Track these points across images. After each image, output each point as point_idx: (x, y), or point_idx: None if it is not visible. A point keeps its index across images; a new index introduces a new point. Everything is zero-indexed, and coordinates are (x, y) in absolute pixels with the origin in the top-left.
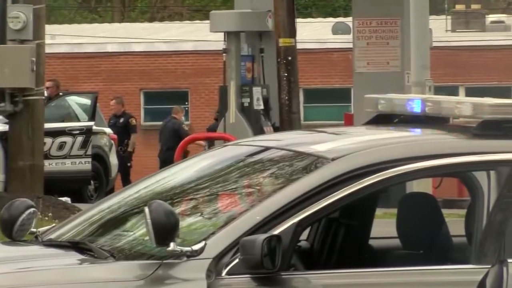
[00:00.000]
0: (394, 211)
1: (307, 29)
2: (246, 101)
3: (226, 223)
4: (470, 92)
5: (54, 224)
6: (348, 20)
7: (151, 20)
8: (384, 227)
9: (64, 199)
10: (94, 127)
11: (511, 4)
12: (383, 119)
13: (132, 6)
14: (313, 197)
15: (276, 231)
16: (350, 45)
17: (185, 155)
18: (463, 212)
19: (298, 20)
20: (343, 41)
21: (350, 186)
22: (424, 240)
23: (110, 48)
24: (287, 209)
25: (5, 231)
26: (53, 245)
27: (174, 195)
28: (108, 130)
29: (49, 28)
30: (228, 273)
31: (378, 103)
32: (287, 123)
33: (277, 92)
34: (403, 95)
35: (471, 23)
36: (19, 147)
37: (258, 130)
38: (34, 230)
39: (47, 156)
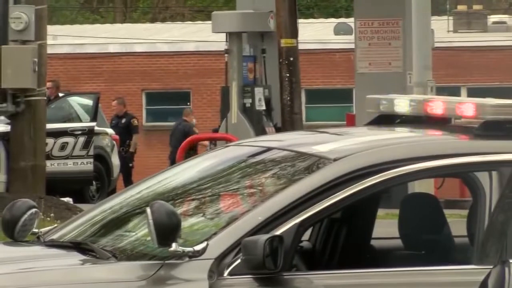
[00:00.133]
0: (396, 211)
1: (309, 29)
2: (248, 101)
3: (228, 224)
4: (472, 93)
5: (56, 225)
6: (350, 21)
7: (153, 20)
8: (386, 228)
9: (66, 199)
10: (96, 128)
11: None
12: (385, 120)
13: (134, 6)
14: (315, 198)
15: (278, 232)
16: (352, 46)
17: (194, 153)
18: (465, 212)
19: (300, 20)
20: (345, 41)
21: (352, 186)
22: (426, 241)
23: (112, 49)
24: (289, 209)
25: (7, 232)
26: (55, 245)
27: (176, 195)
28: (110, 130)
29: (51, 29)
30: (230, 274)
31: (380, 103)
32: (289, 123)
33: (279, 93)
34: (405, 95)
35: (473, 24)
36: (21, 147)
37: (260, 131)
38: (36, 230)
39: (49, 156)
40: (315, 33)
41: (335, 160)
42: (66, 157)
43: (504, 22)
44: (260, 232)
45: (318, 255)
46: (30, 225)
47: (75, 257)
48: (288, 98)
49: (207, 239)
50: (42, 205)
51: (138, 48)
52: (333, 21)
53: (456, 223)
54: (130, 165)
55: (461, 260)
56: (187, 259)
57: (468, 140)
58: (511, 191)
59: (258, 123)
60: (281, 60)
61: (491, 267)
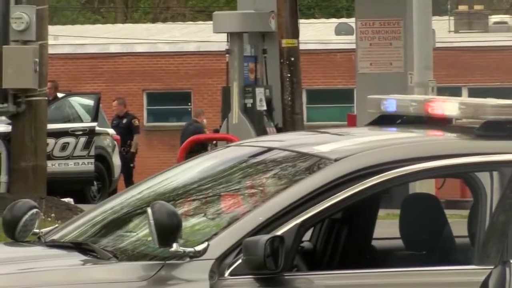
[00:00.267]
0: (397, 212)
1: (310, 30)
2: (249, 101)
3: (229, 224)
4: (473, 93)
5: (57, 225)
6: (351, 21)
7: (154, 21)
8: (387, 228)
9: (67, 199)
10: (97, 128)
11: None
12: (386, 120)
13: (135, 7)
14: (316, 198)
15: (279, 232)
16: (353, 46)
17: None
18: (466, 213)
19: (301, 21)
20: (346, 42)
21: (353, 186)
22: (427, 241)
23: (113, 49)
24: (290, 209)
25: (8, 232)
26: (55, 245)
27: (177, 195)
28: (111, 130)
29: (52, 29)
30: (231, 274)
31: (381, 104)
32: (290, 123)
33: (280, 93)
34: (404, 95)
35: (474, 24)
36: (21, 148)
37: (261, 131)
38: (37, 230)
39: (50, 156)
40: (316, 33)
41: (336, 160)
42: (67, 158)
43: (505, 22)
44: (261, 233)
45: (319, 256)
46: (31, 225)
47: (76, 258)
48: (289, 98)
49: (208, 240)
50: (43, 205)
51: (139, 48)
52: (334, 21)
53: (457, 223)
54: (131, 165)
55: (462, 260)
56: (188, 259)
57: (469, 140)
58: (511, 191)
59: (259, 123)
60: (282, 60)
61: (492, 267)
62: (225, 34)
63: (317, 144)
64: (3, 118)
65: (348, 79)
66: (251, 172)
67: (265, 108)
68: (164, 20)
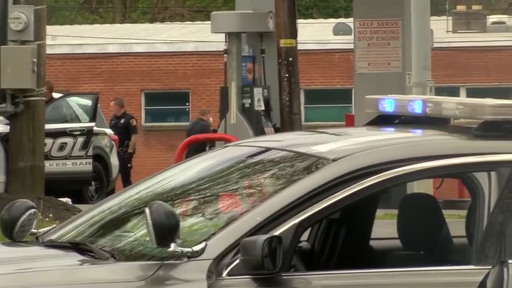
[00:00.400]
0: (395, 212)
1: (308, 30)
2: (247, 102)
3: (227, 224)
4: (471, 93)
5: (54, 225)
6: (349, 21)
7: (152, 21)
8: (384, 228)
9: (64, 200)
10: (95, 128)
11: None
12: (384, 120)
13: (133, 7)
14: (314, 198)
15: (277, 232)
16: (351, 46)
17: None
18: (463, 213)
19: (299, 21)
20: (344, 42)
21: (351, 187)
22: (425, 241)
23: (111, 49)
24: (288, 210)
25: (5, 232)
26: (53, 246)
27: (175, 196)
28: (108, 131)
29: (50, 29)
30: (228, 274)
31: (379, 104)
32: (288, 124)
33: (278, 93)
34: (405, 95)
35: (472, 24)
36: (19, 148)
37: (259, 131)
38: (35, 231)
39: (48, 157)
40: (314, 33)
41: (334, 160)
42: (65, 158)
43: (503, 22)
44: (259, 233)
45: (317, 256)
46: (29, 225)
47: (74, 258)
48: (287, 98)
49: (205, 240)
50: (40, 205)
51: (137, 49)
52: (332, 21)
53: (455, 223)
54: (129, 165)
55: (460, 260)
56: (185, 259)
57: (467, 140)
58: (510, 191)
59: (257, 123)
60: (280, 61)
61: (490, 267)
62: (223, 34)
63: (315, 144)
64: (1, 118)
65: (346, 79)
66: (249, 172)
67: (263, 108)
68: (162, 20)
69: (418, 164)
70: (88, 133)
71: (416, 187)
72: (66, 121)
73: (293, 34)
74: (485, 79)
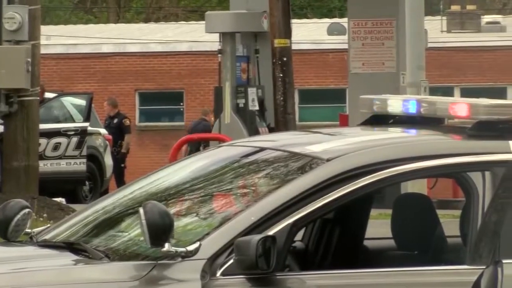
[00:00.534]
0: (389, 211)
1: (303, 29)
2: (241, 101)
3: (221, 224)
4: (465, 93)
5: (48, 225)
6: (344, 21)
7: (146, 20)
8: (379, 228)
9: (58, 199)
10: (89, 128)
11: (506, 5)
12: (378, 120)
13: (128, 7)
14: (308, 198)
15: (271, 232)
16: (346, 46)
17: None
18: (458, 213)
19: (293, 20)
20: (339, 41)
21: (345, 186)
22: (419, 241)
23: (105, 49)
24: (282, 209)
25: (0, 232)
26: (47, 245)
27: (169, 195)
28: (103, 130)
29: (45, 29)
30: (222, 274)
31: (373, 103)
32: (282, 123)
33: (272, 93)
34: (399, 95)
35: (466, 24)
36: (14, 147)
37: (253, 131)
38: (29, 230)
39: (42, 156)
40: (309, 33)
41: (328, 160)
42: (59, 157)
43: (497, 22)
44: (253, 232)
45: (311, 256)
46: (23, 225)
47: (68, 257)
48: (281, 98)
49: (200, 239)
50: (35, 205)
51: (132, 48)
52: (327, 21)
53: (449, 223)
54: (122, 165)
55: (454, 260)
56: (180, 259)
57: (461, 140)
58: (504, 191)
59: (251, 123)
60: (274, 60)
61: (484, 267)
62: (218, 34)
63: (309, 144)
64: None
65: (340, 79)
66: (243, 172)
67: (257, 108)
68: (157, 20)
69: (412, 164)
70: (82, 133)
71: (410, 187)
72: (60, 121)
73: (287, 34)
74: (479, 79)
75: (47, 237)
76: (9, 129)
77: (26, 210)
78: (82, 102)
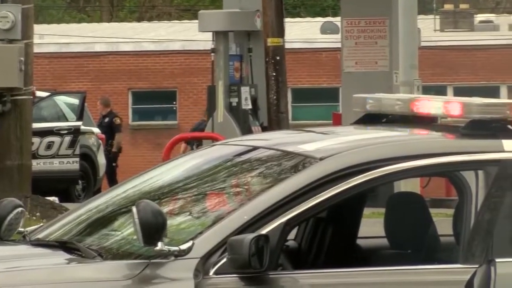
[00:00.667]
0: (382, 210)
1: (296, 28)
2: (234, 100)
3: (214, 223)
4: (458, 92)
5: (41, 224)
6: (337, 20)
7: (140, 19)
8: (372, 227)
9: (51, 198)
10: (82, 127)
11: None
12: (371, 119)
13: (121, 5)
14: (301, 197)
15: (264, 231)
16: (339, 45)
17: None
18: (451, 211)
19: (286, 19)
20: (332, 40)
21: (338, 185)
22: (412, 240)
23: (98, 48)
24: (275, 208)
25: None
26: (40, 244)
27: (162, 194)
28: (96, 129)
29: (38, 28)
30: (215, 273)
31: (366, 102)
32: (275, 122)
33: (265, 92)
34: (392, 94)
35: (459, 23)
36: (7, 146)
37: (246, 130)
38: (22, 229)
39: (35, 155)
40: (302, 32)
41: (321, 159)
42: (52, 156)
43: (490, 21)
44: (246, 231)
45: (304, 254)
46: (16, 224)
47: (61, 256)
48: (274, 97)
49: (192, 238)
50: (28, 204)
51: (125, 47)
52: (320, 20)
53: (442, 222)
54: (114, 164)
55: (447, 259)
56: (172, 258)
57: (454, 139)
58: (497, 190)
59: (244, 122)
60: (267, 59)
61: (477, 266)
62: (211, 33)
63: (302, 143)
64: None
65: (333, 78)
66: (236, 171)
67: (250, 107)
68: (150, 19)
69: (405, 163)
70: (75, 132)
71: (403, 185)
72: (53, 120)
73: (281, 33)
74: (472, 78)
75: (40, 236)
76: (2, 128)
77: (19, 209)
78: (75, 101)
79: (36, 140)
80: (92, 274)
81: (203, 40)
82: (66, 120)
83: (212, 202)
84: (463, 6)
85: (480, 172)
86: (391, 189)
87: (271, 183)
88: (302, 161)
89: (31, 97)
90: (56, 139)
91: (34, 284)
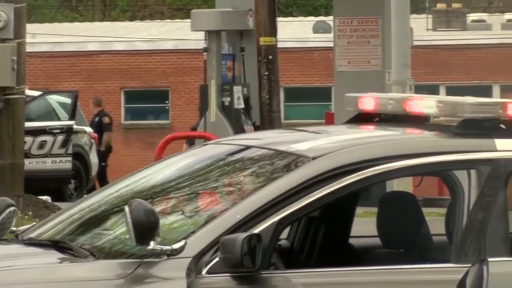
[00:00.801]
0: (375, 210)
1: (288, 28)
2: (226, 100)
3: (206, 222)
4: (451, 91)
5: (34, 223)
6: (329, 19)
7: (132, 19)
8: (364, 226)
9: (44, 198)
10: (74, 126)
11: (492, 3)
12: (363, 118)
13: (113, 5)
14: (294, 196)
15: (257, 230)
16: (331, 44)
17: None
18: (443, 211)
19: (279, 19)
20: (324, 40)
21: (330, 185)
22: (405, 239)
23: (90, 47)
24: (267, 208)
25: None
26: (33, 244)
27: (155, 194)
28: (88, 129)
29: (30, 27)
30: (208, 272)
31: (359, 102)
32: (267, 122)
33: (258, 91)
34: (384, 94)
35: (452, 22)
36: None
37: (239, 129)
38: (14, 229)
39: (28, 155)
40: (294, 31)
41: (313, 158)
42: (45, 156)
43: (483, 21)
44: (239, 231)
45: (296, 254)
46: (8, 223)
47: (53, 256)
48: (267, 96)
49: (185, 238)
50: (20, 203)
51: (117, 47)
52: (312, 19)
53: (435, 221)
54: (103, 164)
55: (439, 258)
56: (165, 257)
57: (447, 138)
58: (489, 189)
59: (236, 121)
60: (260, 59)
61: (470, 265)
62: (203, 32)
63: (294, 142)
64: None
65: (326, 77)
66: (229, 170)
67: (242, 106)
68: (142, 18)
69: (398, 162)
70: (68, 131)
71: (396, 185)
72: (46, 119)
73: (273, 32)
74: (465, 77)
75: (32, 235)
76: None
77: (12, 208)
78: (67, 100)
79: (28, 139)
80: (85, 273)
81: (196, 39)
82: (59, 119)
83: (204, 202)
84: (455, 5)
85: (473, 172)
86: (383, 188)
87: (263, 183)
88: (295, 161)
89: (24, 96)
90: (48, 138)
91: (27, 283)
